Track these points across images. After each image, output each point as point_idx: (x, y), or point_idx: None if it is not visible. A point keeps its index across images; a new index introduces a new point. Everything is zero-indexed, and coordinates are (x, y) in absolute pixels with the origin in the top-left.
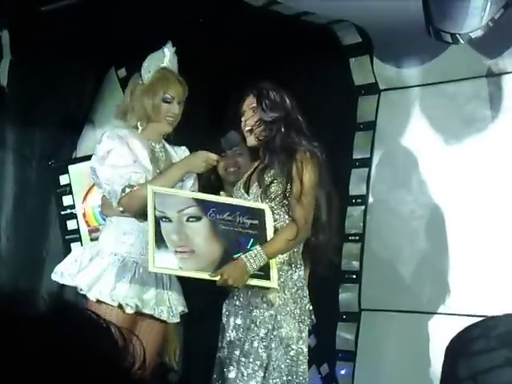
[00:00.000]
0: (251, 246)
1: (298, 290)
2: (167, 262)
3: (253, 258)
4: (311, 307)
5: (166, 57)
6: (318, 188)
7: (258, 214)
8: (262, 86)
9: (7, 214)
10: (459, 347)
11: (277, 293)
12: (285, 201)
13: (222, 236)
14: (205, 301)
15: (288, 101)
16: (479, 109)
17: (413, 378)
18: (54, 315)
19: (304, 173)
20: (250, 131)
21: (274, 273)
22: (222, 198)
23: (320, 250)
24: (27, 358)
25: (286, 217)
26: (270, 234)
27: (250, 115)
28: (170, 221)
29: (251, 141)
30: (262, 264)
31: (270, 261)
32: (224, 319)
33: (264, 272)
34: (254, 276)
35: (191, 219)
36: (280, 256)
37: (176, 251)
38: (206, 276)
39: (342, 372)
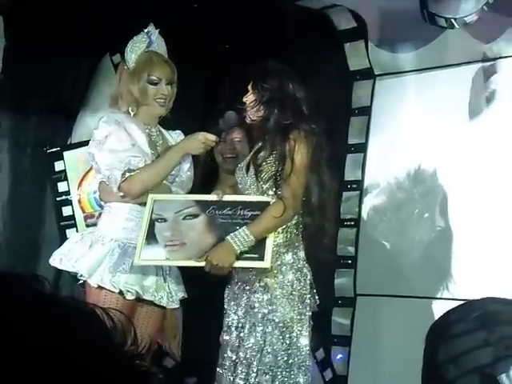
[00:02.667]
0: None
1: (296, 272)
2: (154, 255)
3: (237, 237)
4: (314, 289)
5: (149, 39)
6: (310, 169)
7: (262, 205)
8: (260, 66)
9: (3, 200)
10: (438, 332)
11: (273, 276)
12: (278, 182)
13: (218, 228)
14: (207, 286)
15: (288, 81)
16: (474, 94)
17: (408, 362)
18: (32, 302)
19: (296, 151)
20: (246, 111)
21: (268, 253)
22: (225, 197)
23: (311, 232)
24: (14, 345)
25: None
26: None
27: (249, 95)
28: (166, 221)
29: (247, 120)
30: (248, 243)
31: (266, 241)
32: (226, 304)
33: (258, 254)
34: (247, 258)
35: (188, 217)
36: (276, 238)
37: (166, 245)
38: (192, 263)
39: (338, 357)
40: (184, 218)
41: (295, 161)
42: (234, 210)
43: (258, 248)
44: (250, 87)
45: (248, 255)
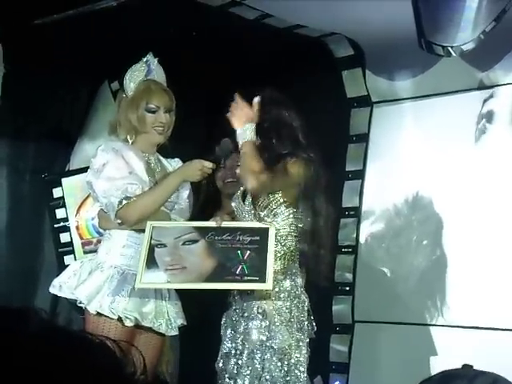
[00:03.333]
0: (249, 258)
1: (294, 299)
2: (155, 278)
3: (248, 129)
4: (312, 315)
5: (148, 68)
6: (305, 196)
7: (261, 231)
8: (256, 94)
9: (1, 227)
10: None
11: (272, 303)
12: (276, 209)
13: (217, 253)
14: (204, 313)
15: (285, 110)
16: (471, 121)
17: None
18: (47, 337)
19: (293, 168)
20: None
21: (269, 275)
22: (224, 223)
23: (308, 259)
24: (22, 375)
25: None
26: (270, 247)
27: None
28: (165, 246)
29: None
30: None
31: (267, 263)
32: (222, 330)
33: (259, 276)
34: (248, 280)
35: (187, 243)
36: (274, 265)
37: (166, 269)
38: (193, 285)
39: None
40: (183, 244)
41: (290, 171)
42: (233, 235)
43: (259, 271)
44: None
45: (249, 278)
